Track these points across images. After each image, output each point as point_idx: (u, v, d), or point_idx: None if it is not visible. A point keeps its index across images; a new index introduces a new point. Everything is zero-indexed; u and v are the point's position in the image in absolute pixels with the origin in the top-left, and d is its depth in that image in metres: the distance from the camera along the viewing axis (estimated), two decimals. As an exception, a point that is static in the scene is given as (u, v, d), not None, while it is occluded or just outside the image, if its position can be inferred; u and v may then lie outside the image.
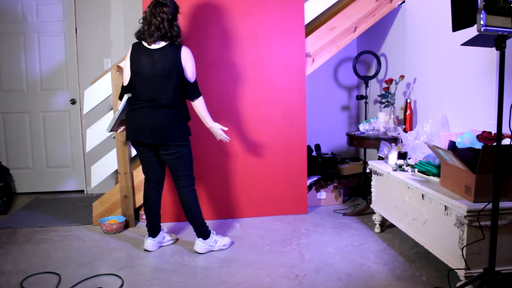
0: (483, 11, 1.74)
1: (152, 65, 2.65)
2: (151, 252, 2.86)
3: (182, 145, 2.76)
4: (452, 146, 2.28)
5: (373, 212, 3.18)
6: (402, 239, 2.97)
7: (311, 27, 3.88)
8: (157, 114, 2.68)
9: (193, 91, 2.75)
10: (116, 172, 3.47)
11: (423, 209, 2.44)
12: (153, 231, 2.90)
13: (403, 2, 3.64)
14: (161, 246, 2.95)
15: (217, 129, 2.87)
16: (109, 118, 3.41)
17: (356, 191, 4.07)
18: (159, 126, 2.67)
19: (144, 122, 2.69)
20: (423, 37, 3.39)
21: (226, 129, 2.90)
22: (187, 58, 2.67)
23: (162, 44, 2.66)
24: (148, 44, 2.66)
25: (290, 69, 3.49)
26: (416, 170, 2.67)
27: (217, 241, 2.88)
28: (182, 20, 3.29)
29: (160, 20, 2.60)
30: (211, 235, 2.87)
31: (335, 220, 3.43)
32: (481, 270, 1.98)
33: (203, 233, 2.84)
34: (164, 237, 2.99)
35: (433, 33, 3.22)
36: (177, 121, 2.71)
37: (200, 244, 2.84)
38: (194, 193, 2.84)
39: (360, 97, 3.90)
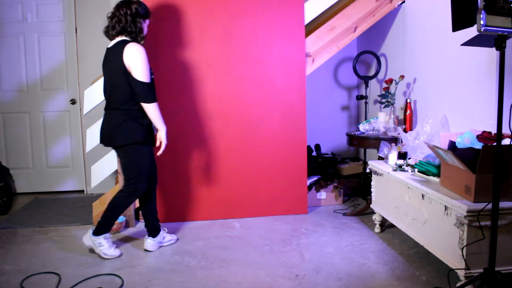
0: (483, 11, 1.74)
1: (105, 66, 2.68)
2: (151, 252, 2.86)
3: (128, 151, 2.64)
4: (452, 146, 2.28)
5: (373, 212, 3.18)
6: (402, 239, 2.97)
7: (311, 27, 3.88)
8: (108, 117, 2.68)
9: (142, 92, 2.57)
10: (116, 172, 3.47)
11: (423, 209, 2.44)
12: (152, 231, 2.90)
13: (403, 2, 3.64)
14: (161, 246, 2.95)
15: (163, 139, 2.73)
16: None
17: (356, 191, 4.07)
18: (108, 129, 2.66)
19: (102, 126, 2.73)
20: (423, 37, 3.39)
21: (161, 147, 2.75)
22: (131, 56, 2.54)
23: (116, 40, 2.63)
24: (110, 40, 2.69)
25: (290, 69, 3.49)
26: (416, 170, 2.67)
27: (103, 245, 2.73)
28: (182, 20, 3.30)
29: (123, 13, 2.60)
30: (100, 236, 2.74)
31: (335, 220, 3.43)
32: (481, 270, 1.98)
33: (97, 229, 2.74)
34: (165, 237, 2.98)
35: (433, 33, 3.22)
36: (123, 122, 2.60)
37: (87, 236, 2.77)
38: (123, 198, 2.73)
39: (360, 97, 3.90)
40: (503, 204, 2.02)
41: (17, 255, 2.84)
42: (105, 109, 2.72)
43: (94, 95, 3.39)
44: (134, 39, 2.64)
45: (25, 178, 4.53)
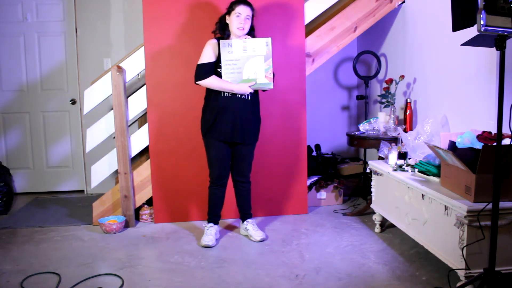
0: (483, 11, 1.74)
1: None
2: (151, 252, 2.86)
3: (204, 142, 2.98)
4: (452, 146, 2.28)
5: (373, 212, 3.18)
6: (402, 239, 2.97)
7: (311, 27, 3.88)
8: None
9: (195, 72, 2.89)
10: (116, 172, 3.47)
11: (423, 209, 2.44)
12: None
13: (403, 2, 3.64)
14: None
15: (245, 87, 2.83)
16: (109, 118, 3.41)
17: (356, 191, 4.06)
18: None
19: None
20: (423, 37, 3.39)
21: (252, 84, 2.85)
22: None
23: None
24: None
25: (290, 69, 3.48)
26: (416, 170, 2.67)
27: (204, 231, 3.02)
28: (182, 20, 3.30)
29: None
30: (207, 223, 3.05)
31: (335, 220, 3.43)
32: (481, 270, 1.98)
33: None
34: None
35: (433, 33, 3.22)
36: (203, 113, 2.98)
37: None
38: (209, 187, 3.03)
39: (360, 97, 3.90)
40: (503, 204, 2.02)
41: (17, 255, 2.84)
42: None
43: (94, 95, 3.39)
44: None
45: (25, 178, 4.53)
